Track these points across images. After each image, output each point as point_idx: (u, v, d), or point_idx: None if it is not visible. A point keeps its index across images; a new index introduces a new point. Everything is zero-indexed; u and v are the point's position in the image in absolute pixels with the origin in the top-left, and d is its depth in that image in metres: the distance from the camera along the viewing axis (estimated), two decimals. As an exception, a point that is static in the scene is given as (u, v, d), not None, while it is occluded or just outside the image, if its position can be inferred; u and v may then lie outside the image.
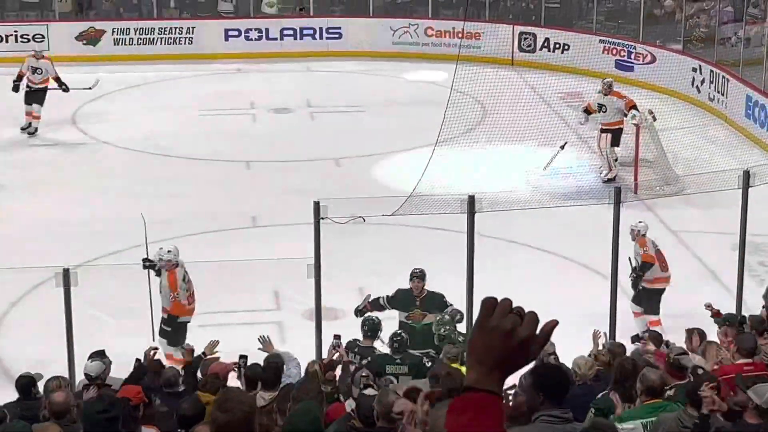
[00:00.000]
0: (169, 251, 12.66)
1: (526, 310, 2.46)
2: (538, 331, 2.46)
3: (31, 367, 9.76)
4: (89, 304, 12.79)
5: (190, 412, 6.63)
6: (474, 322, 2.47)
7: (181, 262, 12.71)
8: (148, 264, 12.64)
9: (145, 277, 12.85)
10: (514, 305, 2.46)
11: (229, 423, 4.14)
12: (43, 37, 26.06)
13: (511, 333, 2.41)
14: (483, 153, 17.33)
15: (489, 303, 2.45)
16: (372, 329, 11.23)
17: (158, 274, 12.72)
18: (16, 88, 20.95)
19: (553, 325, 2.47)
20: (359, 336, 11.30)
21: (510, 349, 2.42)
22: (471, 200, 11.56)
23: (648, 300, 13.36)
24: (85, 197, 17.87)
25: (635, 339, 10.90)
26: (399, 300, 12.22)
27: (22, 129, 20.96)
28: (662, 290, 13.39)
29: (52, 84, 21.09)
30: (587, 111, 18.71)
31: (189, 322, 12.78)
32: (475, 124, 19.76)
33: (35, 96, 20.95)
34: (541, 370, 6.03)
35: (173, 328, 12.61)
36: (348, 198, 13.70)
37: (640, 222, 13.61)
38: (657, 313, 13.27)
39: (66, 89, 21.01)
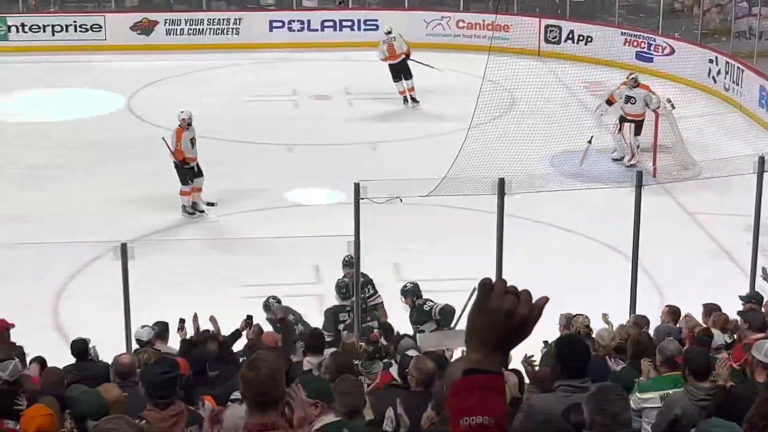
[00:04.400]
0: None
1: (540, 288, 2.43)
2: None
3: (89, 335, 9.79)
4: (142, 276, 12.83)
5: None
6: (472, 304, 2.41)
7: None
8: None
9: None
10: (509, 284, 2.39)
11: (255, 380, 4.12)
12: (101, 27, 26.15)
13: (512, 313, 2.36)
14: (512, 138, 17.22)
15: (487, 285, 2.39)
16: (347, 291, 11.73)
17: None
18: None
19: (544, 301, 2.39)
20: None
21: (510, 329, 2.36)
22: (501, 183, 11.49)
23: None
24: (139, 177, 17.92)
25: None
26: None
27: (406, 101, 21.81)
28: None
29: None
30: (609, 102, 18.61)
31: None
32: (504, 110, 19.69)
33: (402, 70, 21.65)
34: (564, 343, 5.99)
35: None
36: (385, 179, 13.67)
37: None
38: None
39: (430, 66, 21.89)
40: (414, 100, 22.02)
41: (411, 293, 11.65)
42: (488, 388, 2.35)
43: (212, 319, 10.08)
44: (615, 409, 5.08)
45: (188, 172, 16.11)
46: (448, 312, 11.38)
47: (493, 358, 2.37)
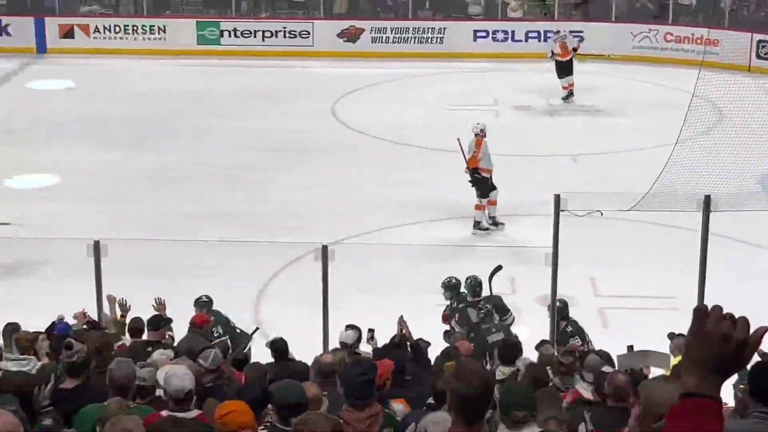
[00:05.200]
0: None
1: (743, 311, 2.41)
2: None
3: (287, 334, 9.99)
4: (341, 278, 13.03)
5: None
6: (688, 329, 2.43)
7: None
8: None
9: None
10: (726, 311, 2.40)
11: (463, 392, 4.08)
12: (309, 33, 26.76)
13: (729, 337, 2.36)
14: (719, 155, 16.75)
15: (702, 310, 2.41)
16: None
17: None
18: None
19: (764, 331, 2.40)
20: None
21: (727, 354, 2.37)
22: (707, 200, 11.20)
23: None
24: (341, 181, 18.24)
25: None
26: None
27: (564, 99, 22.99)
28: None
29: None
30: None
31: None
32: (711, 127, 19.17)
33: (568, 67, 22.89)
34: (757, 369, 5.78)
35: None
36: (586, 192, 13.49)
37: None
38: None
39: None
40: (572, 94, 22.98)
41: (558, 312, 11.52)
42: (704, 412, 2.37)
43: (401, 322, 10.16)
44: None
45: (484, 183, 16.13)
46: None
47: (710, 382, 2.39)
